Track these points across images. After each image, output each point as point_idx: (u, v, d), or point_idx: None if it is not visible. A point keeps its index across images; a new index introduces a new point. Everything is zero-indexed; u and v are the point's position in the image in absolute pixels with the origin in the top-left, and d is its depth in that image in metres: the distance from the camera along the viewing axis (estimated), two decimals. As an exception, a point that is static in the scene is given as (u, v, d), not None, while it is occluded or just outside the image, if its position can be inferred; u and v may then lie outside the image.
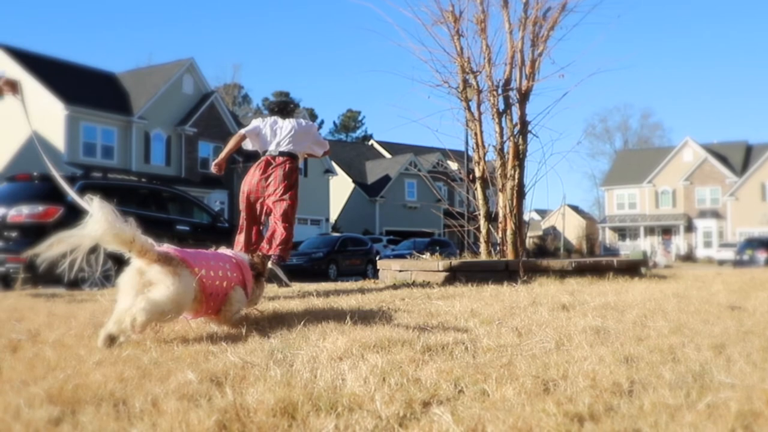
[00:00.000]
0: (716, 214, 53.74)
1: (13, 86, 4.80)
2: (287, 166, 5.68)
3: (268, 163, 5.71)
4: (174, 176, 32.94)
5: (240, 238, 5.72)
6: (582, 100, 41.37)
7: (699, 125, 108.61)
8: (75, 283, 8.20)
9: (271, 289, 5.66)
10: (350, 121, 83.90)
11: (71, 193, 3.69)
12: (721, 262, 38.54)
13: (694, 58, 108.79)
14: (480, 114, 7.98)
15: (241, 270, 3.29)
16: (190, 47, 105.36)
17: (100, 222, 2.61)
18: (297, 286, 7.02)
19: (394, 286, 6.22)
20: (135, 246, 2.69)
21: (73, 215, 9.80)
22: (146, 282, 2.71)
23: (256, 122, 5.93)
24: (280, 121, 5.90)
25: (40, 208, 8.25)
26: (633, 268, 7.31)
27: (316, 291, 5.59)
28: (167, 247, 2.91)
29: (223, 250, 3.54)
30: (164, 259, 2.76)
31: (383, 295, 4.87)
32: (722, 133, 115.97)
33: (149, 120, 33.48)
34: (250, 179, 5.74)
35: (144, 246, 2.72)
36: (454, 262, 6.92)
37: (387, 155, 54.45)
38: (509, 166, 7.75)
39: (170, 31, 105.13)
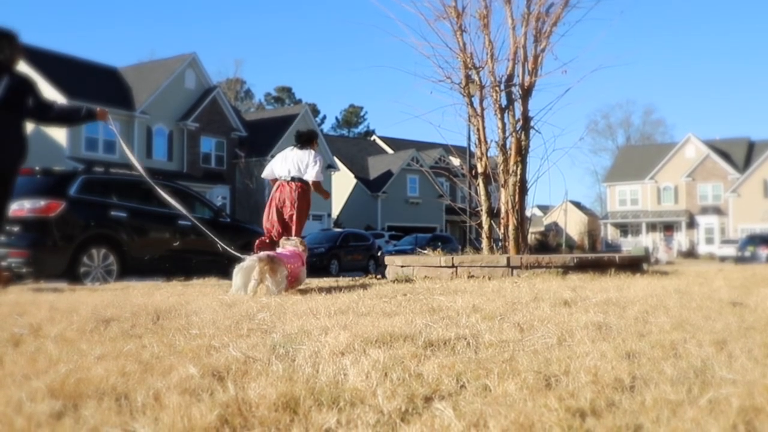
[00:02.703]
0: (718, 211, 53.66)
1: (105, 115, 6.09)
2: (299, 190, 7.14)
3: (283, 186, 7.24)
4: (176, 171, 32.97)
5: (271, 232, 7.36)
6: (584, 96, 41.35)
7: (701, 121, 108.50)
8: (77, 278, 8.22)
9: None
10: (352, 116, 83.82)
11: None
12: (723, 259, 38.51)
13: (696, 54, 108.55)
14: (482, 110, 7.96)
15: (301, 258, 5.42)
16: (192, 42, 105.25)
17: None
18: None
19: (396, 282, 6.23)
20: None
21: (75, 210, 9.72)
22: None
23: (270, 163, 7.52)
24: (296, 151, 7.35)
25: (42, 203, 8.25)
26: (635, 264, 7.31)
27: (318, 286, 5.60)
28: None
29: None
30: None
31: (385, 291, 4.87)
32: (724, 130, 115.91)
33: (151, 115, 33.47)
34: (274, 196, 7.30)
35: None
36: (456, 257, 6.93)
37: (389, 151, 54.41)
38: (511, 161, 7.74)
39: (172, 25, 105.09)
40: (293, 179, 7.18)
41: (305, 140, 7.43)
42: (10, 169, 5.56)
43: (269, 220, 7.18)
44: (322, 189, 7.42)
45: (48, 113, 5.69)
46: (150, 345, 2.52)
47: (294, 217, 7.12)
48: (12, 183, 5.63)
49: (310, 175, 7.18)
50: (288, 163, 7.28)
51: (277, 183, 7.28)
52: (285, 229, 7.15)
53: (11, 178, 5.60)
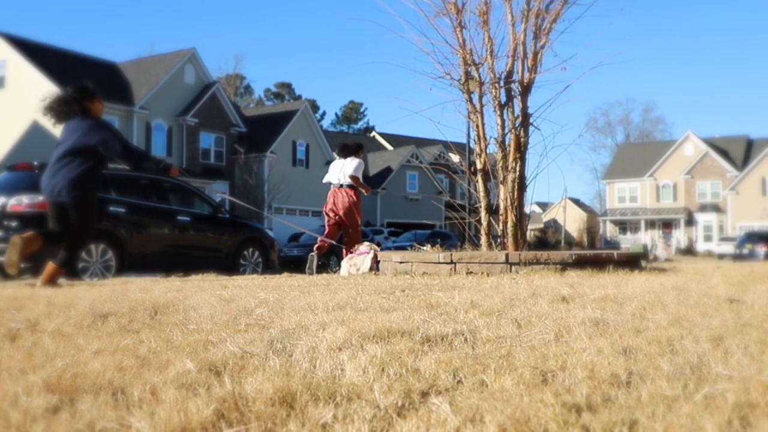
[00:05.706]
0: (717, 208, 53.69)
1: (177, 172, 6.91)
2: (347, 194, 9.05)
3: (336, 192, 9.10)
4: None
5: (326, 236, 9.19)
6: (584, 93, 41.09)
7: (700, 119, 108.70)
8: (75, 273, 8.21)
9: (272, 280, 6.01)
10: (352, 112, 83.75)
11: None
12: (721, 256, 38.56)
13: (696, 52, 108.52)
14: (482, 106, 7.94)
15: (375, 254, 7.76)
16: (192, 37, 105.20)
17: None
18: (299, 277, 7.03)
19: (395, 278, 6.23)
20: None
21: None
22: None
23: (329, 172, 9.39)
24: (342, 160, 9.24)
25: (40, 198, 8.23)
26: (633, 261, 7.30)
27: (317, 282, 5.60)
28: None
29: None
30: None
31: (384, 286, 4.87)
32: (724, 128, 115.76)
33: (150, 110, 33.43)
34: (329, 201, 9.18)
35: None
36: (455, 254, 6.92)
37: (389, 147, 54.40)
38: (510, 158, 7.73)
39: (172, 20, 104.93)
40: (342, 186, 9.07)
41: (349, 152, 9.17)
42: (85, 200, 5.97)
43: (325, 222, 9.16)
44: (361, 183, 9.12)
45: (128, 156, 6.22)
46: (147, 340, 2.52)
47: (347, 220, 8.97)
48: (87, 210, 6.03)
49: (347, 172, 8.97)
50: (337, 172, 9.12)
51: (331, 189, 9.11)
52: (336, 227, 9.09)
53: (87, 205, 6.03)
